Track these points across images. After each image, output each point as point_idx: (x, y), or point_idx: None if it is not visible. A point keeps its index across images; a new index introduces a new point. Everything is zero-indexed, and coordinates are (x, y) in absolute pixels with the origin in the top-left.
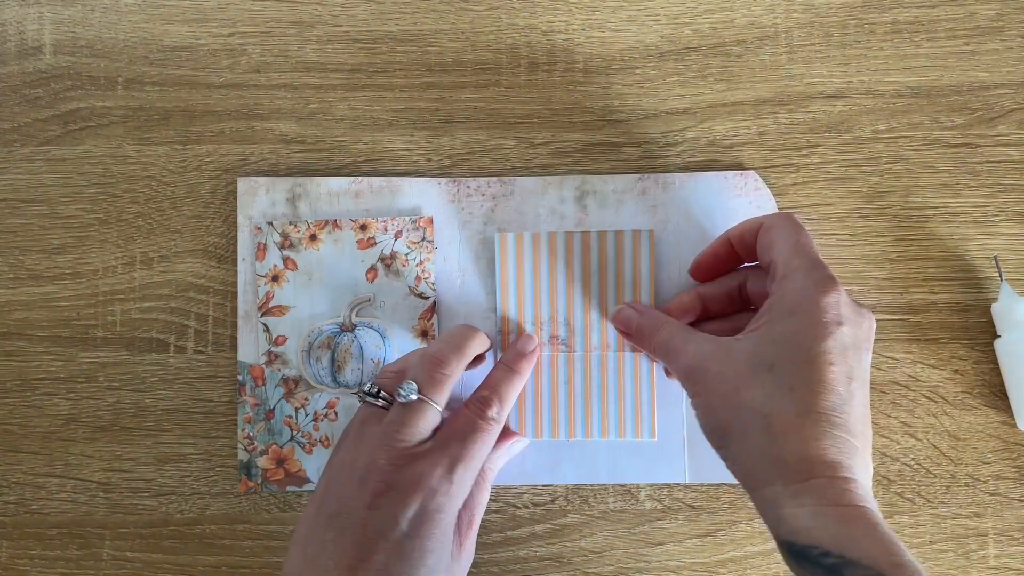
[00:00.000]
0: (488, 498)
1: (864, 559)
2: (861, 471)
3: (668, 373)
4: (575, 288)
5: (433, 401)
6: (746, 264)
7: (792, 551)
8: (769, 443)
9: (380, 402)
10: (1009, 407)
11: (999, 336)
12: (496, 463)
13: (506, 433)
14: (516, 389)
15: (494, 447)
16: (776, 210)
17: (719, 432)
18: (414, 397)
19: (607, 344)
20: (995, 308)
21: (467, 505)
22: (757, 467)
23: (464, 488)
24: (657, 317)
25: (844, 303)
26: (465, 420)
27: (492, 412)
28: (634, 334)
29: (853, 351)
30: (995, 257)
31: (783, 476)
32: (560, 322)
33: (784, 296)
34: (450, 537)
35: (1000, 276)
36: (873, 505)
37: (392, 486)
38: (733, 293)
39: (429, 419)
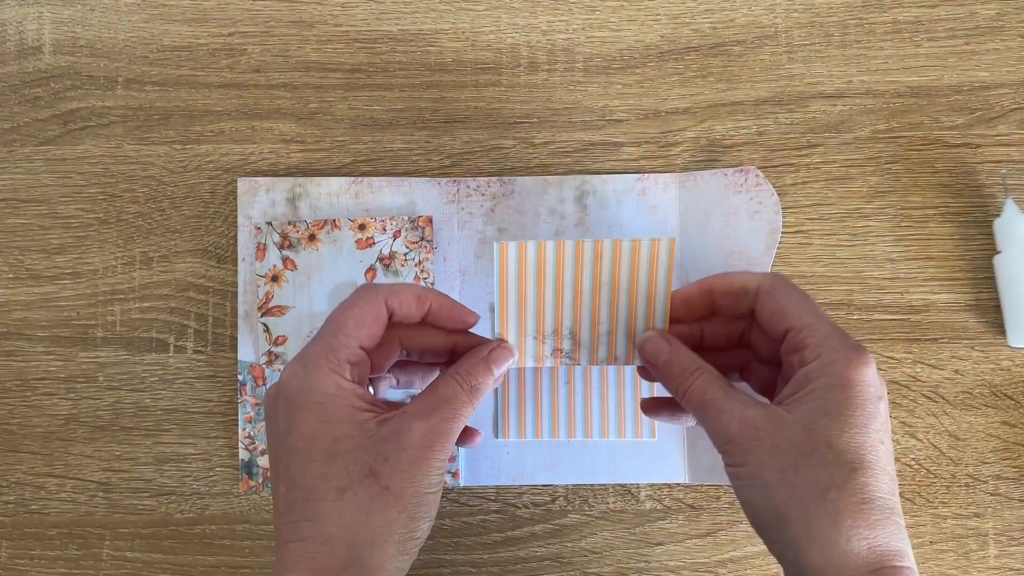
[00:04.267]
0: None
1: None
2: (912, 555)
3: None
4: (583, 300)
5: None
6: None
7: None
8: (835, 530)
9: None
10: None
11: (999, 252)
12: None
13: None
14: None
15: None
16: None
17: (774, 513)
18: None
19: (615, 357)
20: (997, 224)
21: None
22: (820, 555)
23: None
24: (691, 359)
25: (876, 374)
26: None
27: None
28: (660, 369)
29: (887, 424)
30: (1003, 173)
31: (851, 566)
32: (565, 335)
33: (826, 369)
34: None
35: (1006, 191)
36: None
37: None
38: (734, 336)
39: None
